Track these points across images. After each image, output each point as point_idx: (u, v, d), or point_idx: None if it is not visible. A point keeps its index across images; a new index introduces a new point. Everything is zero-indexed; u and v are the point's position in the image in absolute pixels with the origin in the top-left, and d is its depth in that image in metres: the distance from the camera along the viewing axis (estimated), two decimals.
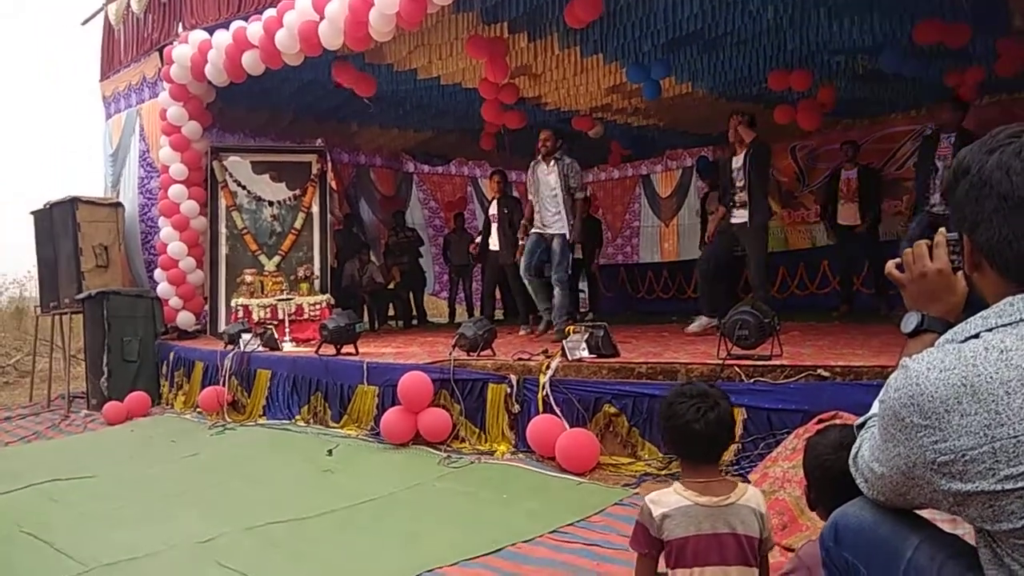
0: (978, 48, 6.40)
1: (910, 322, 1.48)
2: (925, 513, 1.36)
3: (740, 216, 6.01)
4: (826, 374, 3.63)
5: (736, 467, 3.58)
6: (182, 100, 7.93)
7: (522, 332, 7.04)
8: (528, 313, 7.54)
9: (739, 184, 5.98)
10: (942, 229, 1.47)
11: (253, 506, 3.85)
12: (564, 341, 4.72)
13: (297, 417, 5.91)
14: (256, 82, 7.46)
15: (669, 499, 1.89)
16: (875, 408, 1.41)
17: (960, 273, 1.43)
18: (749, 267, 6.26)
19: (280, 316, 7.34)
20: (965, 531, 1.34)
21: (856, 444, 1.40)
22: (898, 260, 1.53)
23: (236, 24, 7.11)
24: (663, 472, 3.89)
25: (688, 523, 1.85)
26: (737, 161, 6.02)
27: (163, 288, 8.08)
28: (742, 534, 1.85)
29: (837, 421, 2.90)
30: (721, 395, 1.95)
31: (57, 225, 8.32)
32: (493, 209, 7.45)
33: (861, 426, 1.43)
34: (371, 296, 9.78)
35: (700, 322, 6.06)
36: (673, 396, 1.97)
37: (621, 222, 12.22)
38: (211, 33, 7.39)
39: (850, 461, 1.40)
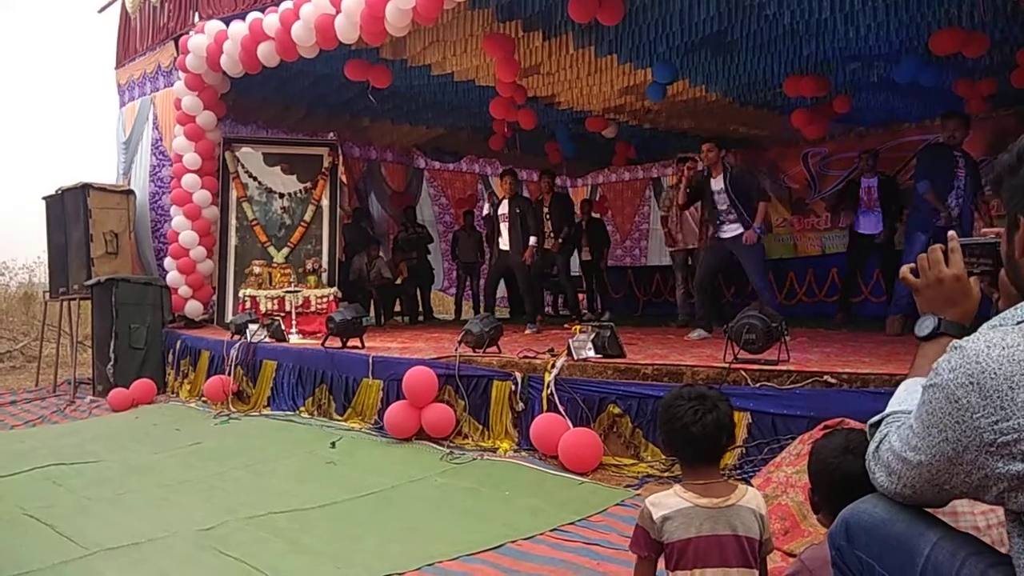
0: (995, 58, 6.37)
1: (925, 326, 1.48)
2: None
3: (731, 230, 6.04)
4: (833, 380, 3.60)
5: (739, 471, 3.56)
6: (197, 90, 7.96)
7: (528, 331, 7.02)
8: (536, 313, 7.51)
9: (722, 207, 6.07)
10: (952, 233, 1.50)
11: (255, 496, 3.87)
12: (570, 340, 4.71)
13: (301, 409, 5.93)
14: (271, 74, 7.47)
15: (669, 501, 1.88)
16: (893, 406, 1.40)
17: (974, 279, 1.45)
18: (751, 280, 6.23)
19: (287, 308, 7.35)
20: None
21: (877, 438, 1.36)
22: (912, 265, 1.54)
23: (252, 15, 7.14)
24: (666, 474, 3.88)
25: (689, 525, 1.84)
26: (716, 183, 6.09)
27: (172, 277, 8.11)
28: (743, 535, 1.84)
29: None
30: (720, 397, 1.94)
31: (68, 211, 8.35)
32: (503, 209, 7.20)
33: (876, 424, 1.40)
34: (378, 291, 9.79)
35: (699, 333, 6.06)
36: (671, 399, 1.95)
37: (630, 224, 12.20)
38: (227, 23, 7.41)
39: (868, 456, 1.36)
